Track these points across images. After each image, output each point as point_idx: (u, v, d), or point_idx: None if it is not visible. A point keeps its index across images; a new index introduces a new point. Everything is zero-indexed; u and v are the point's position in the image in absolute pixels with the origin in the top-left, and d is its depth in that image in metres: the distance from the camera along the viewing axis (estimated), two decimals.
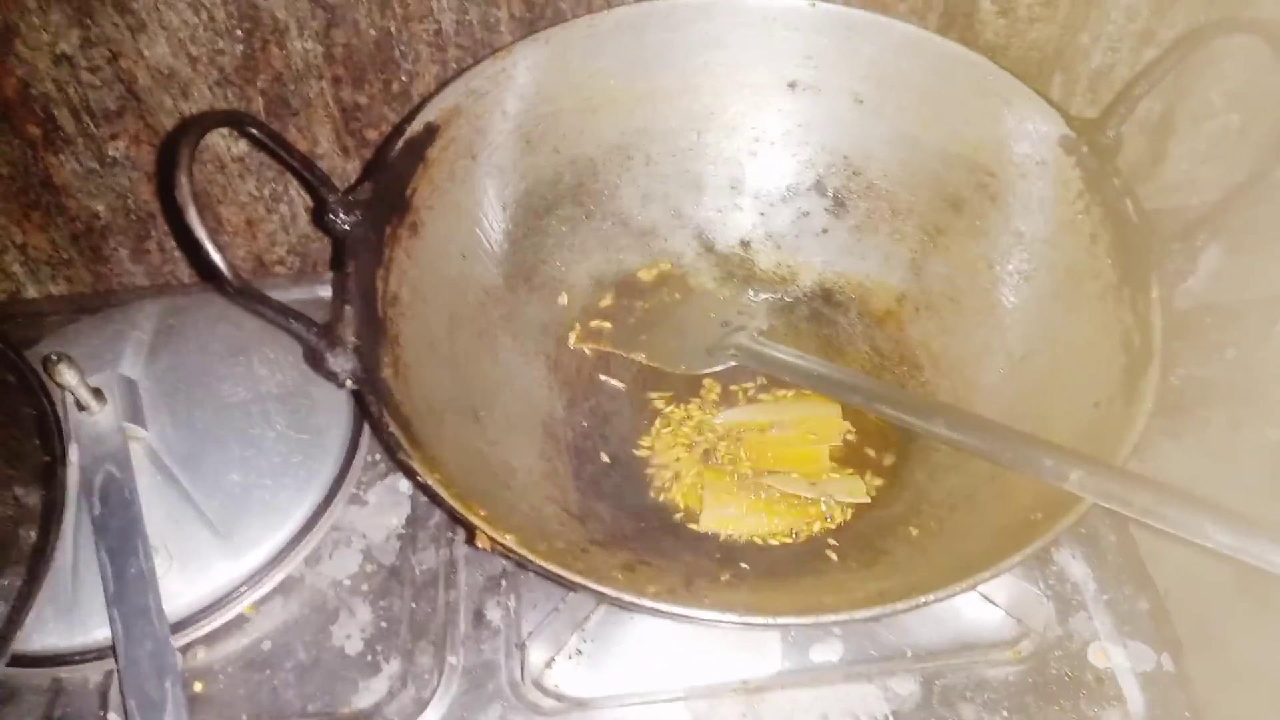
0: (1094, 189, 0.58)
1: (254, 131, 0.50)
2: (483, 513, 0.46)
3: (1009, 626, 0.61)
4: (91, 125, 0.71)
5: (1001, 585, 0.60)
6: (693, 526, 0.61)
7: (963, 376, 0.63)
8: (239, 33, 0.68)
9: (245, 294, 0.44)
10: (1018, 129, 0.61)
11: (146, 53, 0.68)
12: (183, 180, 0.42)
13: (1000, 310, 0.63)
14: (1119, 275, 0.56)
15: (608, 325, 0.67)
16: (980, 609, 0.61)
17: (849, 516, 0.61)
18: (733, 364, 0.66)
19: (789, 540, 0.61)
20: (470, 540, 0.45)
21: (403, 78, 0.72)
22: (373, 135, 0.75)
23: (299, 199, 0.79)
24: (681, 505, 0.62)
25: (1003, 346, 0.62)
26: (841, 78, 0.65)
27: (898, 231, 0.67)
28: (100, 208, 0.77)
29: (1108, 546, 0.64)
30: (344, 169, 0.77)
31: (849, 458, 0.64)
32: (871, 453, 0.64)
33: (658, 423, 0.66)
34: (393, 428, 0.47)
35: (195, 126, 0.44)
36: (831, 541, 0.58)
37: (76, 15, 0.65)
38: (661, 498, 0.62)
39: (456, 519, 0.47)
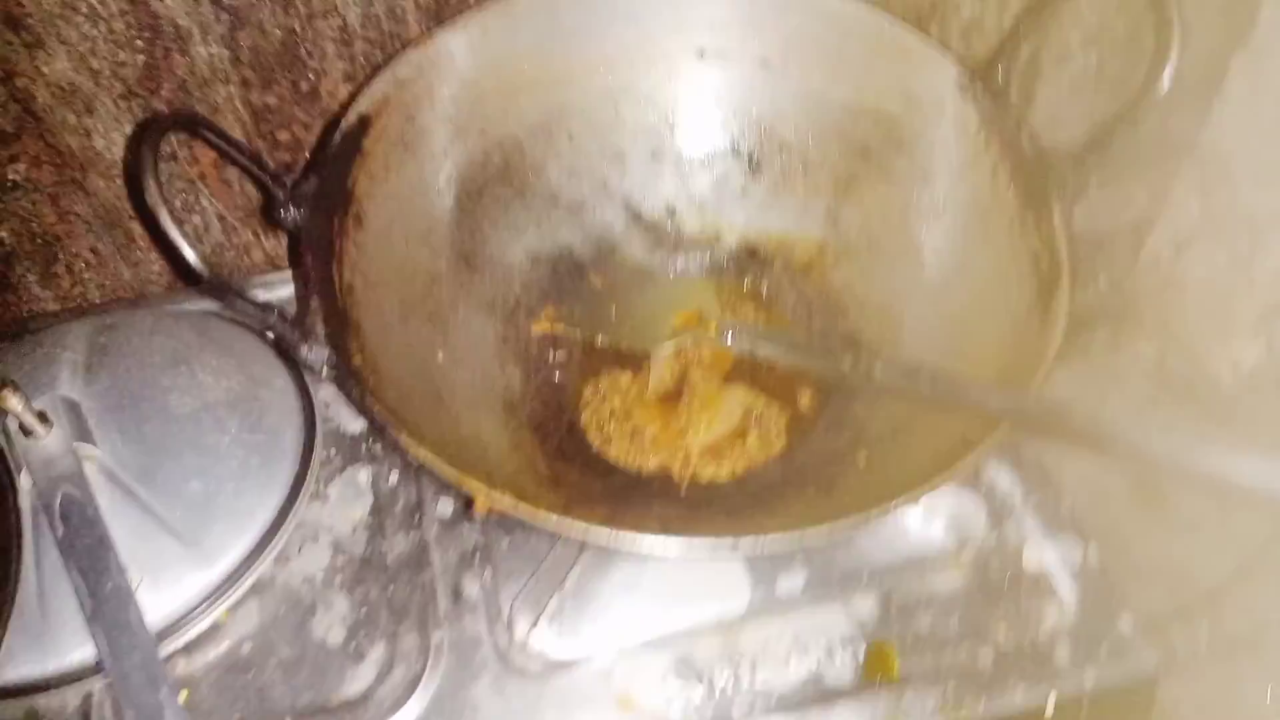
0: (990, 125, 0.62)
1: (206, 133, 0.50)
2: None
3: (951, 539, 0.65)
4: None
5: (940, 501, 0.65)
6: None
7: (888, 316, 0.68)
8: (139, 43, 0.67)
9: (223, 290, 0.45)
10: (916, 77, 0.65)
11: (45, 70, 0.66)
12: (151, 184, 0.42)
13: (916, 249, 0.67)
14: (1021, 203, 0.60)
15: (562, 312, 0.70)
16: (924, 525, 0.65)
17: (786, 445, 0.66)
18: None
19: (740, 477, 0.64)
20: (468, 508, 0.47)
21: (310, 76, 0.72)
22: (284, 136, 0.75)
23: (210, 208, 0.78)
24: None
25: (922, 283, 0.66)
26: (747, 43, 0.68)
27: (812, 185, 0.71)
28: (3, 234, 0.74)
29: (1029, 454, 0.69)
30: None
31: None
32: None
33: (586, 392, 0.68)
34: (378, 407, 0.48)
35: (153, 129, 0.45)
36: (790, 477, 0.62)
37: None
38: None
39: (449, 488, 0.48)
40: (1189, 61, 0.61)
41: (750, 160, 0.72)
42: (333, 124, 0.59)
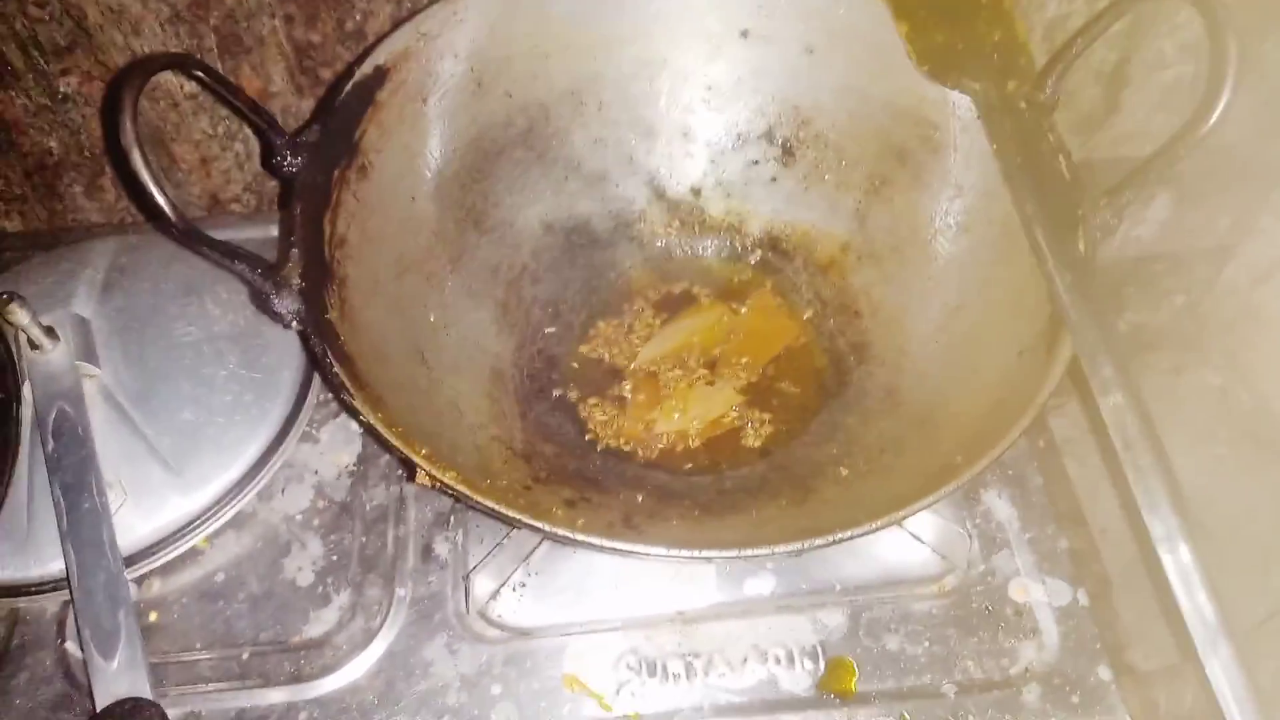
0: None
1: (200, 74, 0.50)
2: (424, 451, 0.48)
3: (934, 563, 0.63)
4: (42, 61, 0.71)
5: (929, 524, 0.63)
6: (638, 455, 0.64)
7: (900, 325, 0.65)
8: None
9: (190, 236, 0.45)
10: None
11: None
12: (126, 124, 0.42)
13: (938, 261, 0.64)
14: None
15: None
16: (908, 546, 0.63)
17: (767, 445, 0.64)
18: None
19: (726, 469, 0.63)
20: (410, 478, 0.47)
21: (356, 17, 0.72)
22: (326, 74, 0.75)
23: (254, 136, 0.79)
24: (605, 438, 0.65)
25: (939, 296, 0.64)
26: (793, 28, 0.66)
27: (844, 181, 0.68)
28: (53, 144, 0.76)
29: (1033, 488, 0.66)
30: (298, 107, 0.77)
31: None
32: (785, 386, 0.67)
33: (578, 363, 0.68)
34: (336, 368, 0.48)
35: (139, 70, 0.45)
36: (768, 478, 0.61)
37: None
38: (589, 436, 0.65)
39: (400, 458, 0.48)
40: None
41: (784, 149, 0.70)
42: (344, 74, 0.58)
